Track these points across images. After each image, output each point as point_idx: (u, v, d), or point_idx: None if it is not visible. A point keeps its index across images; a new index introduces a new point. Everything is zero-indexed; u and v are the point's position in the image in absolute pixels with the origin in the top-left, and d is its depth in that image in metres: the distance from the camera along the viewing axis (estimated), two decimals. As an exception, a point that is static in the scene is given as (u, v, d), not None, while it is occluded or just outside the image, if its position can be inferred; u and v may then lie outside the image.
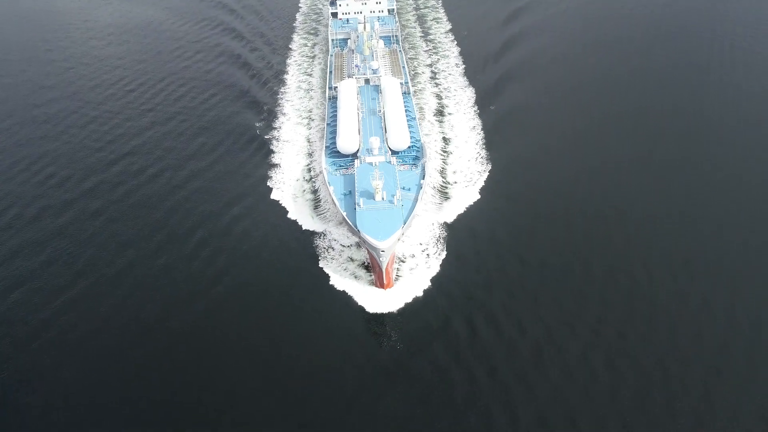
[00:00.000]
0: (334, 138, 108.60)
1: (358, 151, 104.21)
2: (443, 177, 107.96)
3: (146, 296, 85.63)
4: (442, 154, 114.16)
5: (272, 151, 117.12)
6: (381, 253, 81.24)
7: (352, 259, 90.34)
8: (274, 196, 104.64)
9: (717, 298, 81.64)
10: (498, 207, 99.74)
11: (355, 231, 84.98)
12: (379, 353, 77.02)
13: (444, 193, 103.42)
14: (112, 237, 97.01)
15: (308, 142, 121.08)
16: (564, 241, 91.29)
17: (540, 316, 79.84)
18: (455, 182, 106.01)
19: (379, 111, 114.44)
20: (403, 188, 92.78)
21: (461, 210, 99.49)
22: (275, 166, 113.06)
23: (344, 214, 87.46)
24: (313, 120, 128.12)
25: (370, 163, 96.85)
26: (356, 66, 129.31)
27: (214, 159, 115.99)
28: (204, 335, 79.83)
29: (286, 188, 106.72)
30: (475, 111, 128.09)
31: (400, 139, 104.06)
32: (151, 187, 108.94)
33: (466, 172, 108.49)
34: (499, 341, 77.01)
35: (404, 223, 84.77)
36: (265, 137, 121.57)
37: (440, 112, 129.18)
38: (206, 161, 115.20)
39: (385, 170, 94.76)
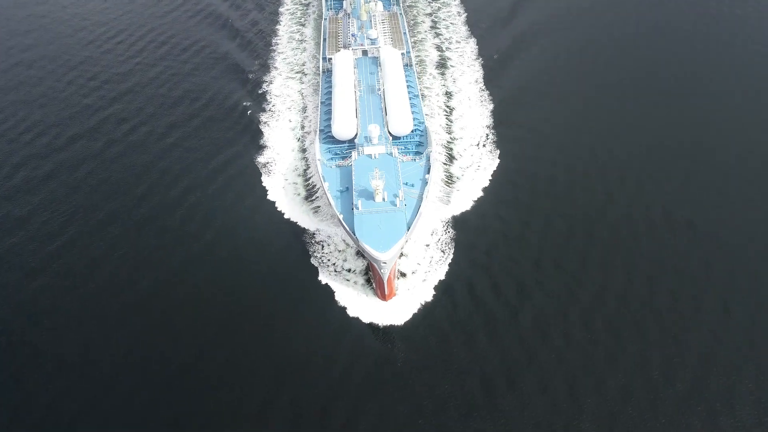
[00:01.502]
0: (329, 121, 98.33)
1: (355, 136, 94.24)
2: (448, 163, 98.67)
3: (134, 249, 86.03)
4: (446, 119, 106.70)
5: (263, 109, 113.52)
6: (383, 264, 72.72)
7: (349, 271, 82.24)
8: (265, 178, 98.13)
9: (718, 262, 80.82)
10: (509, 198, 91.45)
11: (352, 237, 76.07)
12: (380, 374, 70.07)
13: (449, 181, 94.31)
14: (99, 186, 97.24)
15: (301, 96, 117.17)
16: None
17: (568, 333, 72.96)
18: (462, 173, 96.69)
19: (379, 90, 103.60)
20: (406, 184, 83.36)
21: (469, 201, 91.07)
22: (265, 123, 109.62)
23: (341, 216, 78.32)
24: (306, 75, 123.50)
25: (369, 155, 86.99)
26: (352, 35, 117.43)
27: (200, 107, 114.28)
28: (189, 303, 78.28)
29: (278, 167, 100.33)
30: (479, 63, 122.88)
31: (401, 124, 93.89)
32: (136, 138, 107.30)
33: (472, 158, 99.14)
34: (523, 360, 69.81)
35: (408, 229, 75.86)
36: (258, 92, 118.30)
37: (442, 65, 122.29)
38: (192, 109, 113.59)
39: (385, 164, 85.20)
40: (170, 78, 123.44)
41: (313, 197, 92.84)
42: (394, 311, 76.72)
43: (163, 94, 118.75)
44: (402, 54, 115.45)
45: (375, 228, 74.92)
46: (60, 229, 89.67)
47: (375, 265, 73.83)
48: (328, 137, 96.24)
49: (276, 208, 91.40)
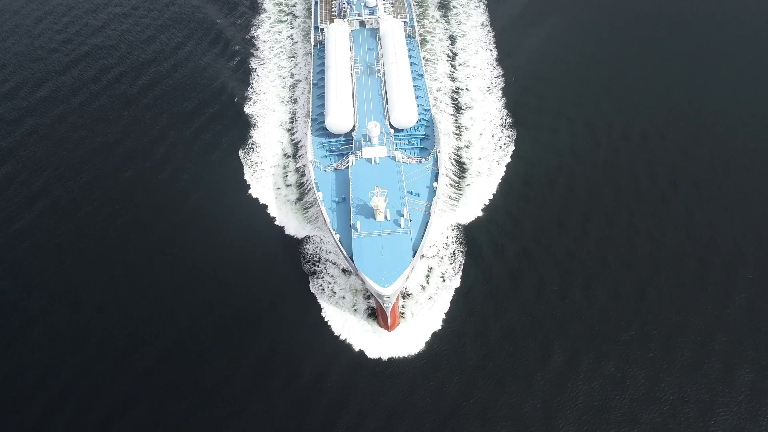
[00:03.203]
0: (323, 107, 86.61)
1: (353, 129, 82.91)
2: (457, 153, 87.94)
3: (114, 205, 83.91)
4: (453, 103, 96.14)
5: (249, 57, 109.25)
6: (386, 299, 63.32)
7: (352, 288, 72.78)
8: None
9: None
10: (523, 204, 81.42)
11: (350, 264, 66.25)
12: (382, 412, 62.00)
13: (459, 178, 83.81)
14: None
15: (291, 41, 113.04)
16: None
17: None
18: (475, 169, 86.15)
19: (378, 71, 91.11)
20: (411, 194, 72.76)
21: (480, 207, 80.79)
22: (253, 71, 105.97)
23: (336, 237, 68.12)
24: (296, 18, 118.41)
25: (369, 159, 75.87)
26: (348, 2, 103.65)
27: (180, 58, 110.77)
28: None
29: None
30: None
31: (405, 115, 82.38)
32: (114, 90, 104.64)
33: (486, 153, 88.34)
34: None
35: (415, 254, 65.82)
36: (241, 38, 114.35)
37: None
38: (172, 60, 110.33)
39: (387, 171, 74.28)
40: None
41: (305, 198, 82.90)
42: (399, 342, 68.00)
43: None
44: (404, 23, 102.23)
45: (376, 255, 64.92)
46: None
47: (377, 297, 64.46)
48: (321, 127, 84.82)
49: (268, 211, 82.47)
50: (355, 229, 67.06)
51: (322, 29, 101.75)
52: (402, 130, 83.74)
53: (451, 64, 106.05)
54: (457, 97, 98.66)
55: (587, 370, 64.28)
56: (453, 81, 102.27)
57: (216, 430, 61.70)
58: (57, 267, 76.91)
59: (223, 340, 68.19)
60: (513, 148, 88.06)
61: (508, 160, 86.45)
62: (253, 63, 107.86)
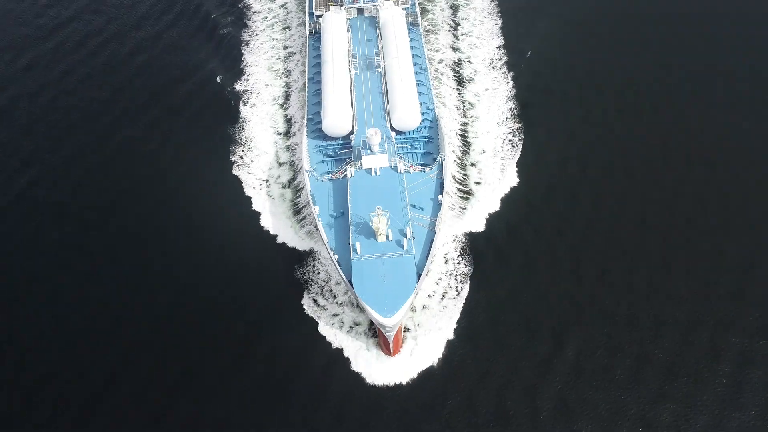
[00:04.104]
0: (319, 107, 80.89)
1: (351, 132, 77.41)
2: (462, 143, 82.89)
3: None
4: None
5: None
6: (388, 329, 59.00)
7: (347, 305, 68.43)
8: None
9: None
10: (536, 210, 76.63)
11: (350, 288, 61.66)
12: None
13: (464, 181, 78.76)
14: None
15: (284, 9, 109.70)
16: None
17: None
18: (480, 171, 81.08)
19: (378, 66, 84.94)
20: (414, 207, 67.74)
21: (487, 214, 76.14)
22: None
23: (335, 258, 63.33)
24: None
25: (368, 170, 70.49)
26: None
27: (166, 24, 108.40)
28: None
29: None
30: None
31: (407, 117, 76.84)
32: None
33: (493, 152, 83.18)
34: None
35: (419, 279, 61.17)
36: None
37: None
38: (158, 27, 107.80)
39: (388, 183, 69.06)
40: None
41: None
42: (402, 368, 63.89)
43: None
44: (405, 10, 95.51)
45: (377, 281, 60.24)
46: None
47: (378, 326, 60.11)
48: (317, 130, 79.20)
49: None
50: (355, 251, 62.20)
51: (318, 17, 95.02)
52: (404, 133, 78.31)
53: (453, 34, 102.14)
54: (459, 69, 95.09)
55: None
56: (455, 52, 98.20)
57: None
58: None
59: (210, 368, 64.26)
60: (522, 134, 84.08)
61: (518, 154, 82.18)
62: (245, 35, 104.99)
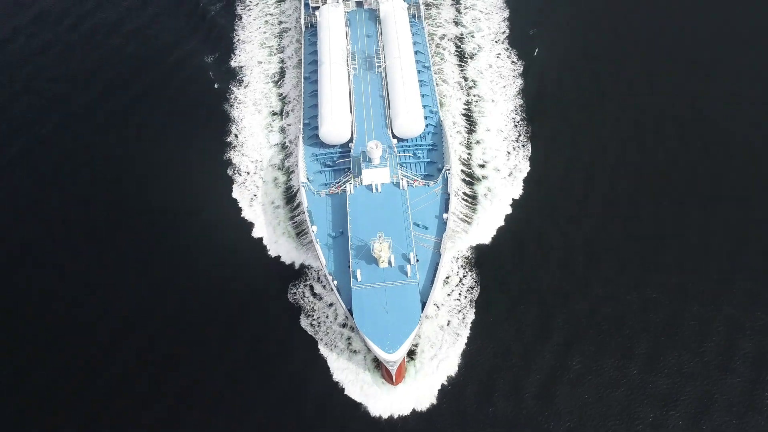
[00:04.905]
0: (315, 110, 76.16)
1: (350, 140, 72.92)
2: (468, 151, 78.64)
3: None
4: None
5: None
6: (391, 364, 55.53)
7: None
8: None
9: None
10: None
11: (350, 318, 57.98)
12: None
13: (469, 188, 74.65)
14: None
15: None
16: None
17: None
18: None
19: (379, 67, 79.84)
20: (417, 226, 63.62)
21: (494, 227, 71.87)
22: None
23: (334, 283, 59.49)
24: None
25: (369, 187, 66.09)
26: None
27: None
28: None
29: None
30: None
31: (410, 123, 72.27)
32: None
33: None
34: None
35: (424, 307, 57.42)
36: None
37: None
38: None
39: (390, 201, 64.72)
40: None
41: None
42: (405, 398, 60.51)
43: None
44: (407, 1, 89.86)
45: (379, 311, 56.47)
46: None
47: (380, 360, 56.58)
48: (314, 137, 74.61)
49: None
50: (356, 278, 58.31)
51: (314, 8, 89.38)
52: (406, 140, 73.80)
53: (455, 8, 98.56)
54: (461, 45, 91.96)
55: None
56: (458, 26, 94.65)
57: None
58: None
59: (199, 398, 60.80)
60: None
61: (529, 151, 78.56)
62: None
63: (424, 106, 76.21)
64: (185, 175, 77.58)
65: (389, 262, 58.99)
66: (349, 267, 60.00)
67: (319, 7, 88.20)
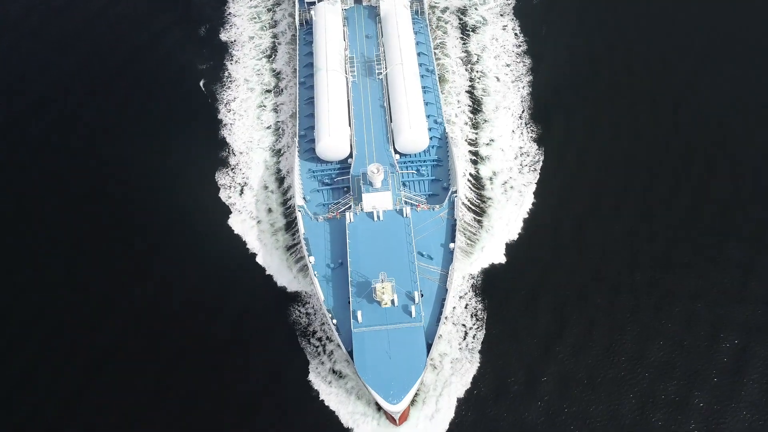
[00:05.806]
0: (312, 120, 71.32)
1: (349, 155, 68.30)
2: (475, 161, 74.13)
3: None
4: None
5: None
6: (395, 413, 52.19)
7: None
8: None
9: None
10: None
11: (349, 362, 54.32)
12: None
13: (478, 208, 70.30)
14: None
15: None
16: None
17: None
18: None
19: (379, 74, 74.52)
20: (422, 255, 59.51)
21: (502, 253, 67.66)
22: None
23: (333, 322, 55.69)
24: None
25: (370, 214, 61.64)
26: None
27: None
28: None
29: None
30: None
31: (414, 138, 67.73)
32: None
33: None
34: None
35: (429, 352, 53.72)
36: None
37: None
38: None
39: (393, 230, 60.31)
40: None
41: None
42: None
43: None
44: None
45: (382, 357, 52.80)
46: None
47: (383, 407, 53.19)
48: (310, 150, 69.93)
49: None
50: (356, 320, 54.46)
51: (310, 4, 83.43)
52: (408, 155, 69.22)
53: None
54: (464, 18, 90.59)
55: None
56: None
57: None
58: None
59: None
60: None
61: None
62: None
63: (428, 116, 71.51)
64: (175, 168, 75.07)
65: (393, 302, 55.03)
66: (348, 303, 56.13)
67: (314, 2, 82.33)
